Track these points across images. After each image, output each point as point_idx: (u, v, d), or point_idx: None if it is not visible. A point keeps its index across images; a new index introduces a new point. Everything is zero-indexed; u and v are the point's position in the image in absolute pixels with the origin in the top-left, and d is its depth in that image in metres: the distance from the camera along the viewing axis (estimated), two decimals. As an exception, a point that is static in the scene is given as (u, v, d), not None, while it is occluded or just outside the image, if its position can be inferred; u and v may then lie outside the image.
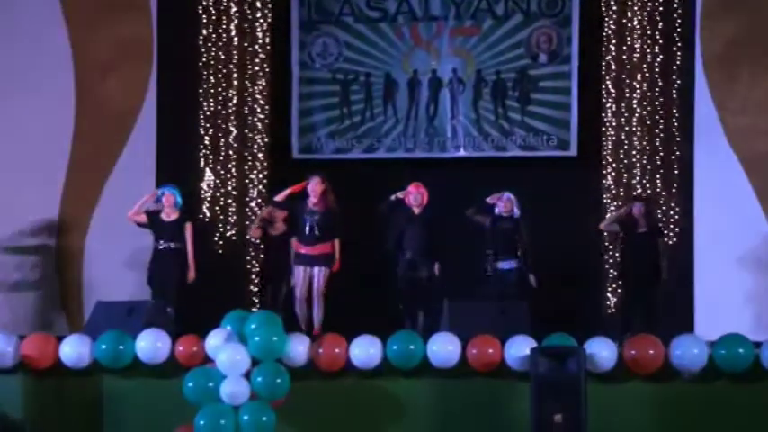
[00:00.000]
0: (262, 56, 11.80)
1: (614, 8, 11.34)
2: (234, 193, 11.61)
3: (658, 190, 11.15)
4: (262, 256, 11.01)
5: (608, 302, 11.03)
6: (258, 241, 10.96)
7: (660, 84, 11.27)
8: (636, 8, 11.27)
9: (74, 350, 8.28)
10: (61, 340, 8.38)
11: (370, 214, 9.89)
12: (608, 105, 11.39)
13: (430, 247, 9.78)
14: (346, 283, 9.79)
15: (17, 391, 8.30)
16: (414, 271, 9.72)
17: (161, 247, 9.81)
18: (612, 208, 11.11)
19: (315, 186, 9.56)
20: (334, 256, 9.57)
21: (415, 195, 9.85)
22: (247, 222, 11.30)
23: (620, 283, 10.56)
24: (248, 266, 11.41)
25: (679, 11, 11.15)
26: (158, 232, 9.85)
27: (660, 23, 11.22)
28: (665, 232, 10.68)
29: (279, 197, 9.74)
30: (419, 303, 9.66)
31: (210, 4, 11.67)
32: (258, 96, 11.78)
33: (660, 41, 11.23)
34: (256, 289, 11.15)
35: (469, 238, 10.01)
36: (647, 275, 9.88)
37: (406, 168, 11.52)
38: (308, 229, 9.45)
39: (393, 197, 9.88)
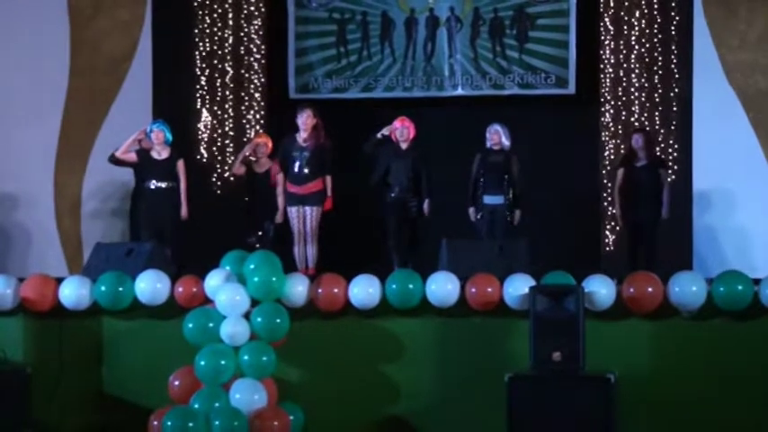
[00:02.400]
0: (257, -5, 11.65)
1: (612, -56, 11.20)
2: (231, 133, 11.55)
3: (657, 127, 11.08)
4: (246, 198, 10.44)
5: (607, 240, 10.99)
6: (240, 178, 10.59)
7: (659, 20, 11.16)
8: (634, -57, 11.14)
9: (73, 292, 8.24)
10: (61, 282, 8.33)
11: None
12: (606, 42, 11.28)
13: (418, 183, 9.58)
14: (341, 223, 9.72)
15: (17, 333, 8.27)
16: (401, 208, 9.54)
17: (152, 187, 9.54)
18: (611, 146, 11.03)
19: (305, 120, 9.30)
20: (326, 193, 9.38)
21: (400, 130, 9.62)
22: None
23: (618, 220, 10.45)
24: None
25: (678, -54, 11.02)
26: (148, 171, 9.56)
27: (658, -42, 11.09)
28: (668, 164, 10.57)
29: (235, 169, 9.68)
30: (408, 242, 9.53)
31: (205, -58, 11.53)
32: (254, 36, 11.67)
33: (659, -23, 11.11)
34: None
35: (465, 176, 9.89)
36: (648, 211, 9.76)
37: (403, 107, 11.37)
38: (297, 166, 9.22)
39: (378, 134, 9.66)
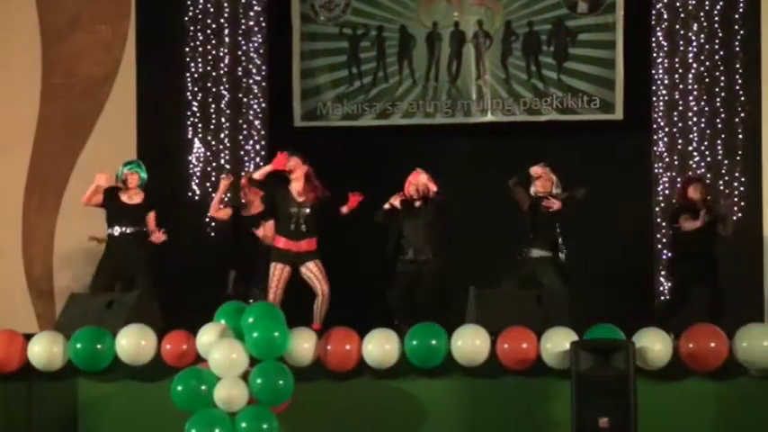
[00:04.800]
0: (257, 8, 11.79)
1: (666, -53, 11.32)
2: (227, 166, 11.62)
3: (719, 157, 11.11)
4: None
5: (661, 288, 11.01)
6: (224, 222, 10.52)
7: (720, 34, 11.24)
8: (691, -54, 11.25)
9: (44, 350, 8.29)
10: (30, 339, 8.39)
11: (382, 189, 9.82)
12: (659, 61, 11.35)
13: (437, 240, 9.57)
14: (351, 275, 9.74)
15: (-21, 397, 8.35)
16: (415, 272, 9.53)
17: (115, 234, 9.56)
18: (665, 179, 11.07)
19: (295, 171, 9.24)
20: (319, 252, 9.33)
21: (415, 187, 9.59)
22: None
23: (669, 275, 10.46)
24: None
25: (741, -52, 11.12)
26: (114, 216, 9.57)
27: (719, -37, 11.20)
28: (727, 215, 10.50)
29: (258, 174, 9.35)
30: (424, 305, 9.52)
31: (197, -52, 11.69)
32: (253, 55, 11.78)
33: (719, -16, 11.21)
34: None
35: (495, 219, 9.91)
36: (699, 273, 9.74)
37: (424, 136, 11.52)
38: (293, 225, 9.24)
39: (386, 206, 9.57)
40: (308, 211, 9.19)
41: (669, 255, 10.73)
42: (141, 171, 9.71)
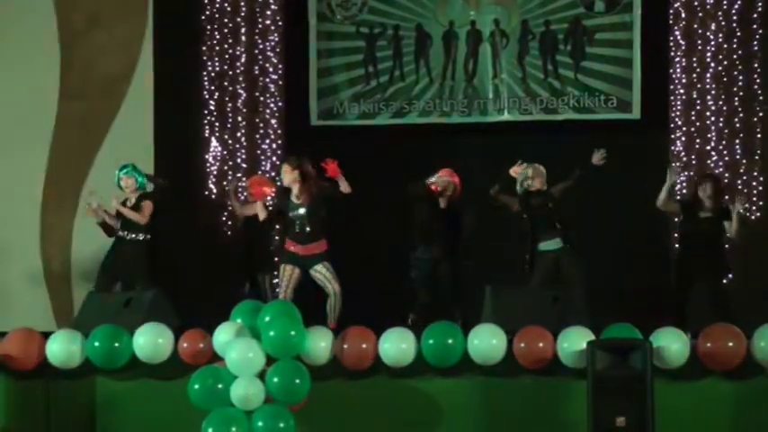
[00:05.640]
0: (274, 7, 11.80)
1: (683, -55, 11.29)
2: (244, 165, 11.64)
3: (737, 157, 11.09)
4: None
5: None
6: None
7: (738, 33, 11.21)
8: (709, -56, 11.22)
9: (62, 348, 8.33)
10: (48, 337, 8.42)
11: (399, 188, 9.82)
12: (677, 60, 11.33)
13: (457, 243, 9.62)
14: (367, 271, 9.73)
15: (-3, 395, 8.36)
16: (435, 274, 9.56)
17: (120, 235, 9.63)
18: (683, 178, 11.04)
19: (285, 177, 9.22)
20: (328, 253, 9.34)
21: (444, 183, 9.59)
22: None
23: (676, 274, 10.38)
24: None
25: (760, -54, 11.09)
26: (122, 223, 9.64)
27: (737, -38, 11.17)
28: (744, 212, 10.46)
29: (248, 211, 9.87)
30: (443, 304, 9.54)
31: (213, -53, 11.71)
32: (270, 54, 11.80)
33: (738, -18, 11.18)
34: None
35: (511, 218, 9.88)
36: (708, 272, 9.65)
37: (441, 135, 11.51)
38: (297, 228, 9.24)
39: (431, 185, 9.58)
40: (303, 212, 9.16)
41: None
42: (137, 175, 9.73)
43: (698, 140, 11.25)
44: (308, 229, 9.15)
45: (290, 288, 9.13)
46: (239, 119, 11.71)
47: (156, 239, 9.67)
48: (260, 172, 11.49)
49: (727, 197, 9.93)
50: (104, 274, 9.69)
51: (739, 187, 10.94)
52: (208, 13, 11.71)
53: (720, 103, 11.22)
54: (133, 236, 9.60)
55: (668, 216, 10.94)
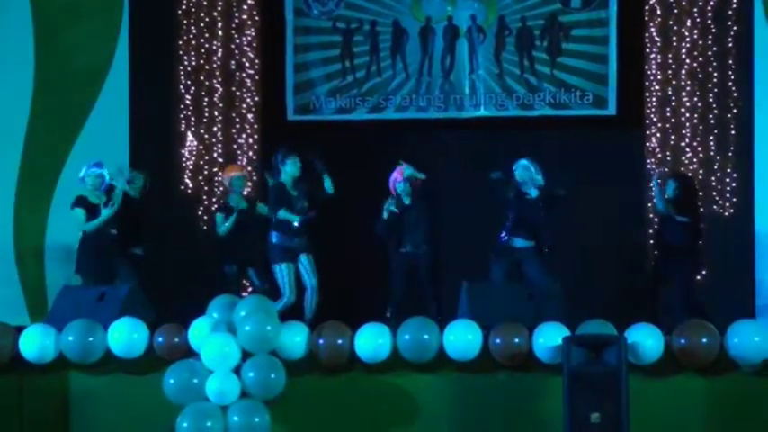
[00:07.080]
0: (250, 2, 11.77)
1: (659, -57, 11.31)
2: (219, 160, 11.61)
3: (712, 153, 11.12)
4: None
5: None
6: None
7: (713, 30, 11.24)
8: (684, -58, 11.24)
9: (36, 343, 8.29)
10: (21, 331, 8.38)
11: (375, 183, 9.82)
12: (652, 56, 11.35)
13: (431, 233, 9.70)
14: (343, 266, 9.72)
15: (-30, 390, 8.33)
16: (412, 267, 9.63)
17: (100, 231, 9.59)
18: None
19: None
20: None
21: (402, 182, 9.69)
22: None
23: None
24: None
25: (734, -56, 11.11)
26: (92, 215, 9.60)
27: (712, -40, 11.19)
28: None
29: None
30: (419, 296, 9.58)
31: (189, -59, 11.67)
32: (246, 49, 11.77)
33: (712, -19, 11.20)
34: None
35: (486, 210, 9.89)
36: (680, 265, 9.67)
37: (417, 131, 11.49)
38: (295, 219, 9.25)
39: (385, 214, 9.63)
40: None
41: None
42: (105, 173, 9.68)
43: (672, 137, 11.27)
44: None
45: (294, 284, 9.17)
46: (215, 113, 11.68)
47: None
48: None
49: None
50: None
51: (713, 183, 10.96)
52: (184, 7, 11.67)
53: (695, 99, 11.25)
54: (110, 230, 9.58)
55: (646, 212, 11.01)
